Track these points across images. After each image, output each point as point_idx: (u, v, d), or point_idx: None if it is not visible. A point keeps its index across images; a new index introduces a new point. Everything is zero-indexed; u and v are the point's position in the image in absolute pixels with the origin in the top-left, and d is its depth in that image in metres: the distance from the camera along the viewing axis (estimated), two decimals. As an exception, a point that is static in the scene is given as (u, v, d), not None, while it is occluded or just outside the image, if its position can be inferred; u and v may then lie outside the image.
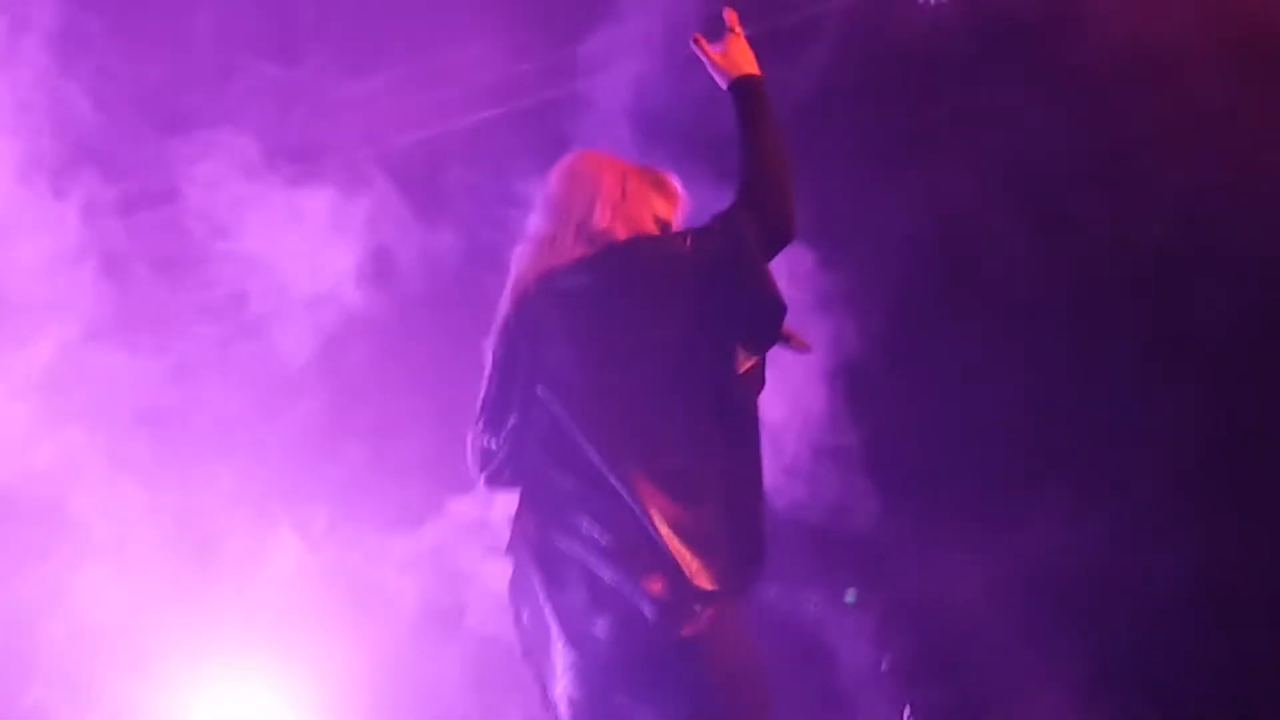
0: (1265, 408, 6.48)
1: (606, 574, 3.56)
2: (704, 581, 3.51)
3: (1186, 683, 6.36)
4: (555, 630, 3.62)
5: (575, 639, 3.58)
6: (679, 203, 3.98)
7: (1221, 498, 6.57)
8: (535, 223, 3.94)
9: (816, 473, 6.21)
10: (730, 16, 3.89)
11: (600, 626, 3.55)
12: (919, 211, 6.43)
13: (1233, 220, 6.44)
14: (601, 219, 3.85)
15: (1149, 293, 6.59)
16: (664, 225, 3.91)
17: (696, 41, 3.87)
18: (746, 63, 3.85)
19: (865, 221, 6.45)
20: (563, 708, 3.62)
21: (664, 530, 3.51)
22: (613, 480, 3.57)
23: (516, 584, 3.75)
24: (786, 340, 3.81)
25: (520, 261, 3.90)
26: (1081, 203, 6.62)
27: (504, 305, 3.87)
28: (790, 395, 5.61)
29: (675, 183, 4.00)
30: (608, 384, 3.66)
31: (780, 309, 3.66)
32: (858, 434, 6.34)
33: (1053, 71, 6.31)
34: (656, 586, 3.51)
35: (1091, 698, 6.24)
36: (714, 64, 3.86)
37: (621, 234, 3.84)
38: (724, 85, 3.85)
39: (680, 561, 3.51)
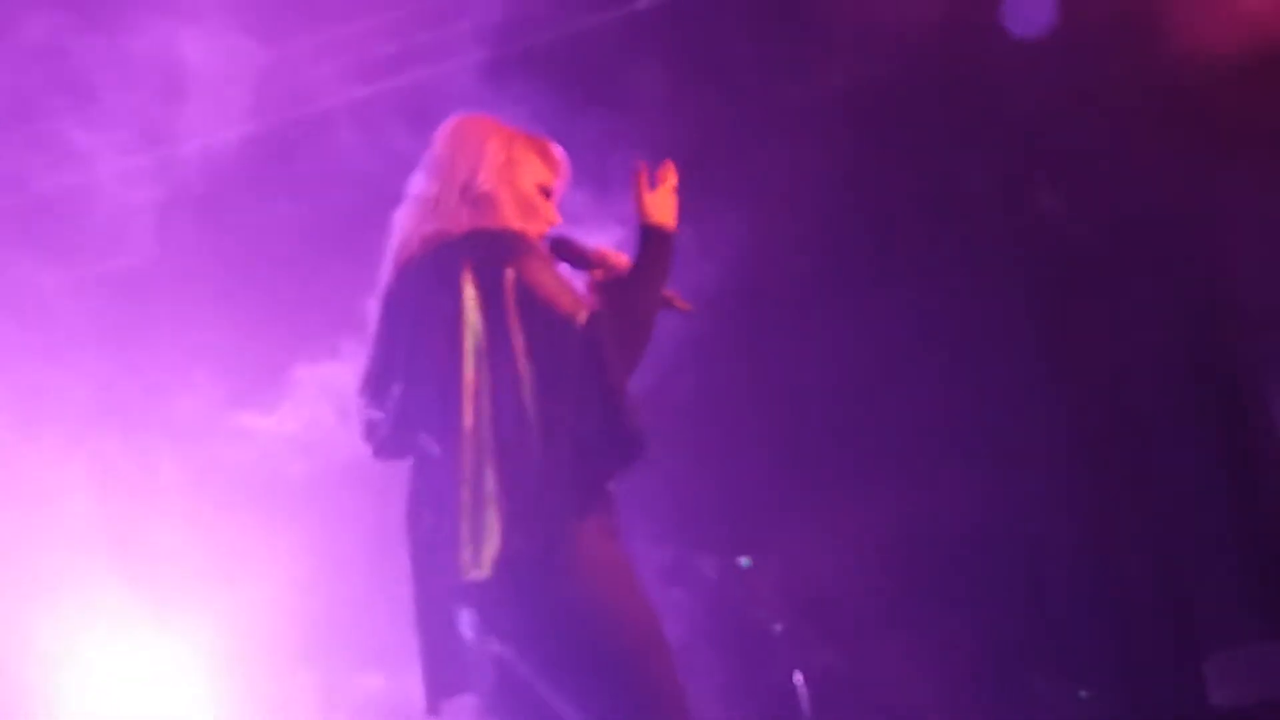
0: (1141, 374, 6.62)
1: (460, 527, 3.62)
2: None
3: (1071, 648, 6.49)
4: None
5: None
6: (561, 171, 4.00)
7: (1106, 464, 6.70)
8: (419, 183, 3.95)
9: (709, 438, 6.28)
10: (668, 170, 3.90)
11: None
12: (803, 170, 6.51)
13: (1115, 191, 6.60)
14: (485, 182, 3.87)
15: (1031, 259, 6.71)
16: (546, 191, 3.94)
17: (636, 173, 3.87)
18: (669, 216, 3.86)
19: (750, 177, 6.51)
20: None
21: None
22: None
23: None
24: (667, 303, 3.87)
25: (404, 223, 3.91)
26: (964, 165, 6.72)
27: (387, 267, 3.87)
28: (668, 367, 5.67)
29: (559, 152, 4.01)
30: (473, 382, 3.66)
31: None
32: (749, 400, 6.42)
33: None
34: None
35: (978, 662, 6.35)
36: (641, 202, 3.86)
37: (504, 198, 3.86)
38: (640, 222, 3.86)
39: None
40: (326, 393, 5.96)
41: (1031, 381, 6.68)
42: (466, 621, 3.64)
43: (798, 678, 5.72)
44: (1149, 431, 6.70)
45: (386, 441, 3.83)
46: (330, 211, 6.57)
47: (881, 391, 6.57)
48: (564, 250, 3.94)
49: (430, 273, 3.78)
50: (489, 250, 3.74)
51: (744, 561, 5.79)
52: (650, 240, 3.84)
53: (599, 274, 3.92)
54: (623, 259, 3.90)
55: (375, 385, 3.83)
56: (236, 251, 6.80)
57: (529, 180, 3.93)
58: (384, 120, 6.17)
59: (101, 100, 6.22)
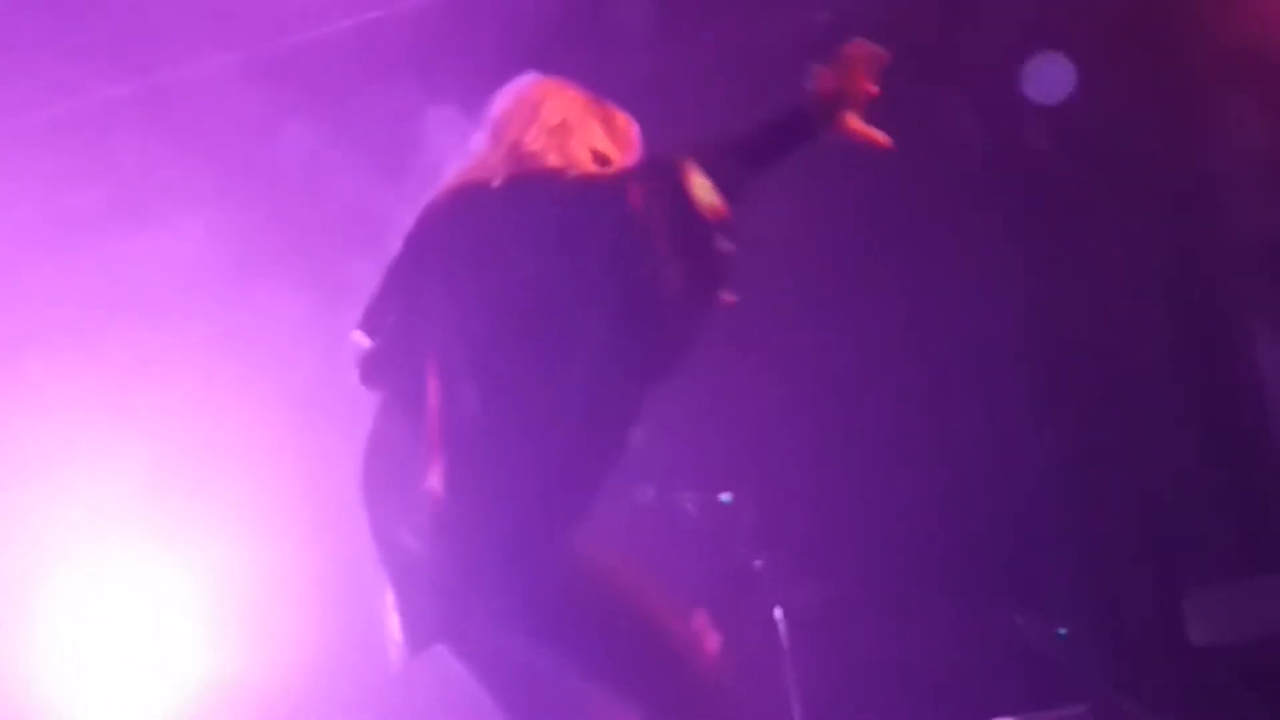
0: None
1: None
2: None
3: (1049, 585, 6.51)
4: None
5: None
6: (626, 144, 3.90)
7: (1086, 400, 6.72)
8: (474, 141, 3.91)
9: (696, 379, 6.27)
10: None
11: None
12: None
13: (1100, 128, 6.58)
14: (534, 142, 3.79)
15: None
16: (602, 160, 3.83)
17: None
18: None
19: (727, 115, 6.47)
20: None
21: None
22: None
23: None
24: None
25: (449, 175, 3.86)
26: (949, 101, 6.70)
27: (418, 212, 3.81)
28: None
29: (627, 122, 3.93)
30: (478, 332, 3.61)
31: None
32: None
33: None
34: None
35: (957, 599, 6.38)
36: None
37: (553, 160, 3.77)
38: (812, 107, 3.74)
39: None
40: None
41: (1011, 319, 6.68)
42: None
43: (777, 613, 5.73)
44: (1129, 368, 6.71)
45: (372, 372, 3.80)
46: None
47: (862, 331, 6.57)
48: None
49: (454, 220, 3.74)
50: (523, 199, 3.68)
51: (725, 497, 5.79)
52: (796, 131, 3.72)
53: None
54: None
55: (371, 313, 3.80)
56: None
57: (582, 146, 3.83)
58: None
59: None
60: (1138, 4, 6.40)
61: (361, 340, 3.82)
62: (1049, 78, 6.40)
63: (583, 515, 3.60)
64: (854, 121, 3.72)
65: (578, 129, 3.86)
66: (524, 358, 3.56)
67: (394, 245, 3.83)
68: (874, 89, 3.72)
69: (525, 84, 3.95)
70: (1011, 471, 6.64)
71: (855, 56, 3.71)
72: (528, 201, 3.68)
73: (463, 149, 3.92)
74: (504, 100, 3.93)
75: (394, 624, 3.66)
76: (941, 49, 6.56)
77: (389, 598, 3.67)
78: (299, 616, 6.56)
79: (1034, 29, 6.46)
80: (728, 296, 3.81)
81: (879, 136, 3.76)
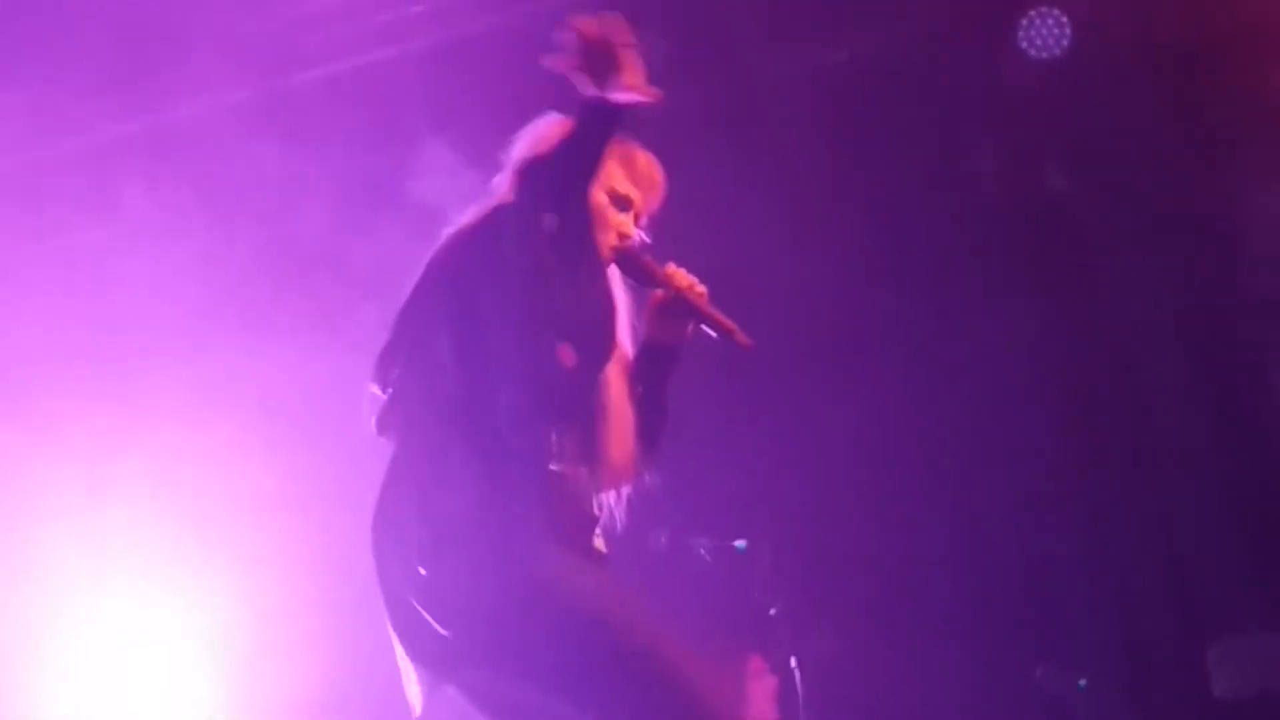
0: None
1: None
2: None
3: (1071, 636, 6.45)
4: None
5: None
6: (647, 185, 3.83)
7: (1108, 449, 6.66)
8: (495, 181, 3.84)
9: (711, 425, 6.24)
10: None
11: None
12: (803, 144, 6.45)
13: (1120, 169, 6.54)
14: None
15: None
16: (620, 201, 3.78)
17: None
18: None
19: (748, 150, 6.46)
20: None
21: None
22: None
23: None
24: (728, 335, 3.75)
25: (465, 215, 3.79)
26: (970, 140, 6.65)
27: (426, 255, 3.76)
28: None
29: (650, 165, 3.85)
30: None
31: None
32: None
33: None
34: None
35: (976, 649, 6.32)
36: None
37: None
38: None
39: None
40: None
41: (1032, 361, 6.62)
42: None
43: (793, 662, 5.67)
44: (1152, 416, 6.65)
45: (382, 422, 3.72)
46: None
47: (878, 370, 6.52)
48: (628, 265, 3.81)
49: (451, 263, 3.70)
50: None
51: (739, 544, 5.74)
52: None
53: (659, 295, 3.81)
54: (689, 284, 3.78)
55: (382, 365, 3.74)
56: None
57: (600, 188, 3.75)
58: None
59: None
60: (1156, 37, 6.35)
61: (375, 391, 3.75)
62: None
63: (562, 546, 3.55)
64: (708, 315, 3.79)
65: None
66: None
67: (403, 290, 3.78)
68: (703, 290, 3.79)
69: (544, 124, 3.87)
70: (1033, 519, 6.56)
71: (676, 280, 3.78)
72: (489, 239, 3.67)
73: (484, 189, 3.86)
74: (523, 140, 3.86)
75: (404, 671, 3.61)
76: (958, 87, 6.52)
77: (396, 647, 3.62)
78: (305, 657, 6.50)
79: (1052, 65, 6.41)
80: (744, 340, 3.76)
81: (732, 327, 3.78)
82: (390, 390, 3.71)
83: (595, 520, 3.72)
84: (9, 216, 6.53)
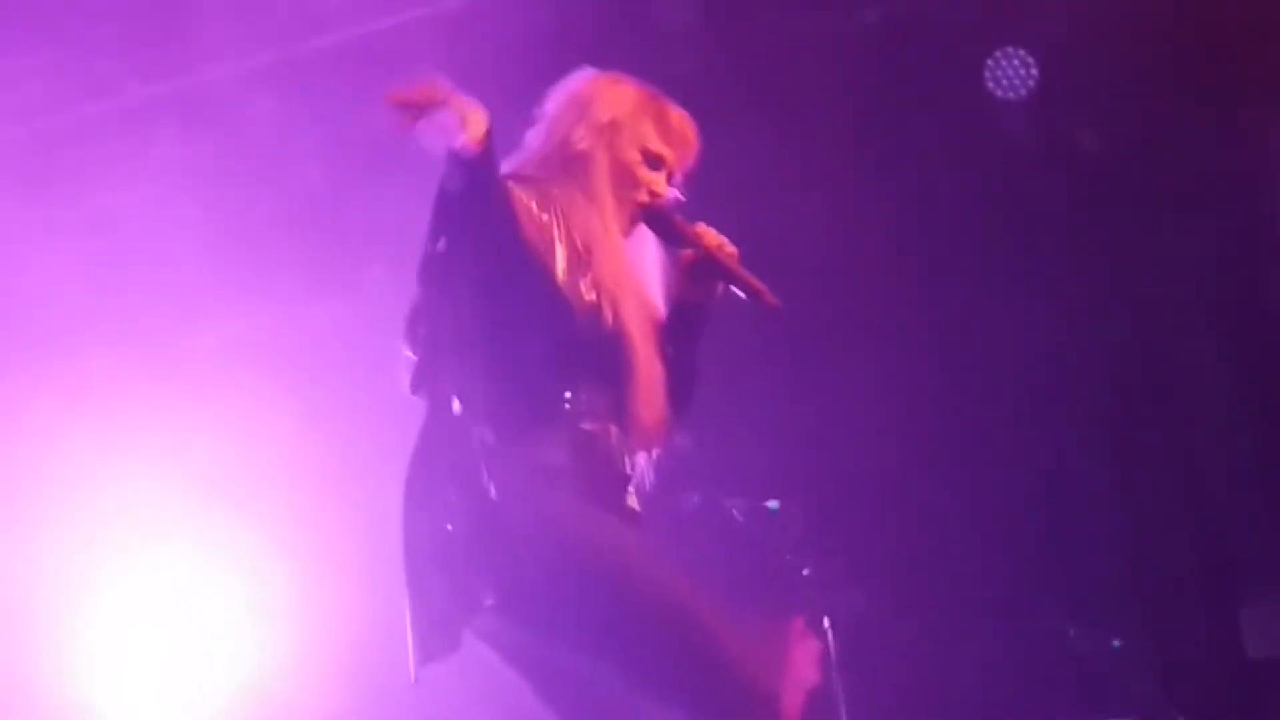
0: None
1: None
2: None
3: (1105, 597, 6.44)
4: None
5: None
6: (680, 142, 3.83)
7: (1140, 409, 6.65)
8: (528, 137, 3.85)
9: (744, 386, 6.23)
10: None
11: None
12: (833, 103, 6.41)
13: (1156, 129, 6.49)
14: (581, 140, 3.76)
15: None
16: (652, 159, 3.78)
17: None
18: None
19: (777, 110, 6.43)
20: None
21: None
22: None
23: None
24: (755, 296, 3.74)
25: (504, 170, 3.72)
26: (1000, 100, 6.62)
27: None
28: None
29: (682, 122, 3.84)
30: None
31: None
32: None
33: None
34: None
35: (1010, 609, 6.31)
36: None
37: (600, 160, 3.73)
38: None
39: None
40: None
41: (1065, 326, 6.60)
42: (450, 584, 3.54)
43: (825, 622, 5.66)
44: (1184, 376, 6.62)
45: (414, 382, 3.72)
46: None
47: (911, 338, 6.50)
48: (658, 224, 3.81)
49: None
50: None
51: (772, 505, 5.73)
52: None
53: (689, 254, 3.79)
54: (718, 244, 3.77)
55: (411, 325, 3.74)
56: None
57: (632, 145, 3.77)
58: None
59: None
60: (1185, 7, 6.30)
61: (407, 352, 3.76)
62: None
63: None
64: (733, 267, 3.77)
65: (627, 127, 3.80)
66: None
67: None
68: (733, 251, 3.77)
69: (579, 79, 3.88)
70: (1064, 481, 6.56)
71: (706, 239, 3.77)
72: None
73: (518, 143, 3.85)
74: (557, 95, 3.87)
75: (410, 635, 3.60)
76: (989, 49, 6.48)
77: (408, 609, 3.61)
78: (336, 619, 6.52)
79: (1080, 29, 6.36)
80: (772, 301, 3.75)
81: (761, 288, 3.76)
82: (420, 349, 3.71)
83: (628, 479, 3.71)
84: (35, 178, 6.53)
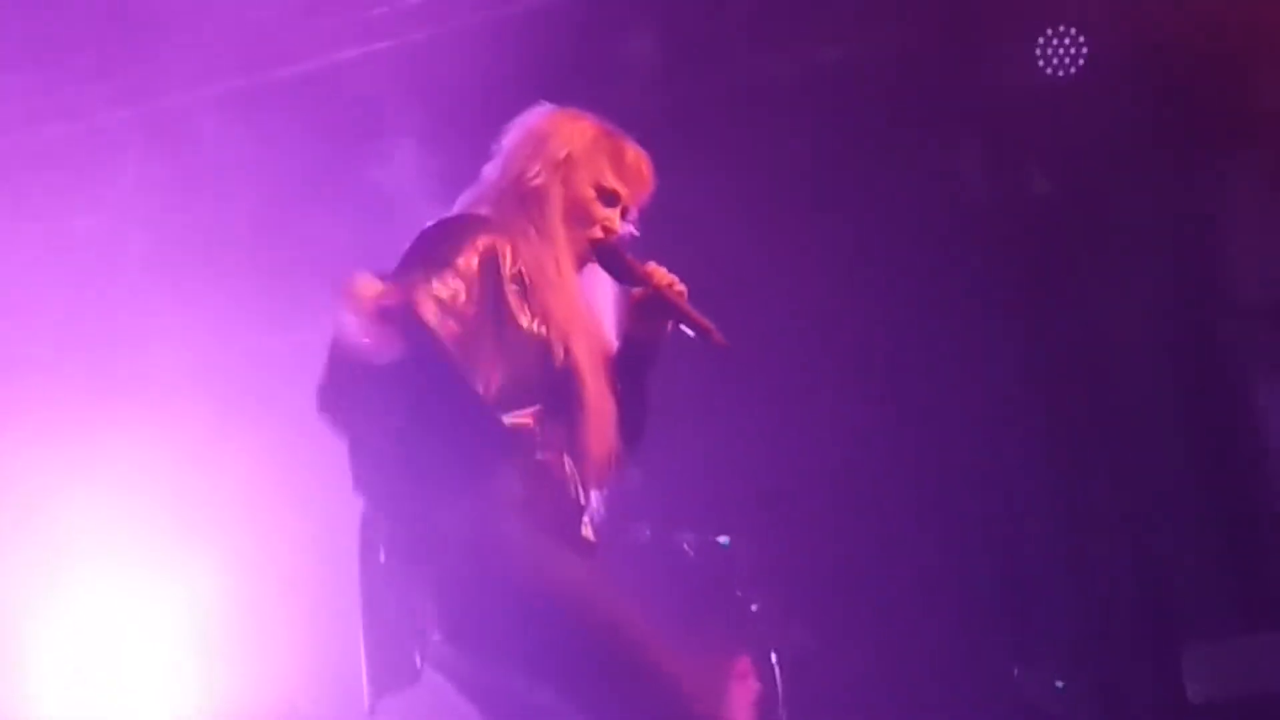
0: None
1: None
2: None
3: (1048, 637, 6.47)
4: None
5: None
6: (635, 179, 3.85)
7: (1086, 452, 6.69)
8: (485, 171, 3.87)
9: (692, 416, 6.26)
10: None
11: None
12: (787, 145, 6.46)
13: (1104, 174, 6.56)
14: (536, 177, 3.77)
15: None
16: (607, 195, 3.80)
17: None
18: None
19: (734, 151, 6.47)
20: None
21: None
22: None
23: None
24: (704, 334, 3.76)
25: (461, 203, 3.83)
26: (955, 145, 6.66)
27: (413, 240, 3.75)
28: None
29: (638, 158, 3.86)
30: None
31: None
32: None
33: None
34: None
35: (954, 648, 6.34)
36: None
37: (554, 196, 3.75)
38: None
39: None
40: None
41: (1011, 366, 6.65)
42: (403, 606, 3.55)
43: (773, 657, 5.69)
44: (1130, 420, 6.68)
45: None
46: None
47: (863, 372, 6.54)
48: (610, 261, 3.84)
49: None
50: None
51: (723, 540, 5.75)
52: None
53: (639, 292, 3.83)
54: (668, 282, 3.79)
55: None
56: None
57: (587, 182, 3.80)
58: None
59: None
60: (1141, 48, 6.37)
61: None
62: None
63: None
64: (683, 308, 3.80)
65: (583, 163, 3.82)
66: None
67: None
68: (682, 289, 3.80)
69: (537, 115, 3.92)
70: (1011, 522, 6.60)
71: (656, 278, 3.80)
72: None
73: (476, 179, 3.89)
74: (515, 130, 3.90)
75: (365, 666, 3.61)
76: (947, 90, 6.54)
77: (362, 639, 3.63)
78: (294, 637, 6.51)
79: (1040, 71, 6.44)
80: (720, 340, 3.77)
81: (709, 326, 3.78)
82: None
83: (582, 509, 3.74)
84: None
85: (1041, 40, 6.37)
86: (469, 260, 3.60)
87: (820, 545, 6.47)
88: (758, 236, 6.36)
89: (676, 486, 6.07)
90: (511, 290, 3.64)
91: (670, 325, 3.85)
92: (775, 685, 5.68)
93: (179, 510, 6.71)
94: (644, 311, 3.85)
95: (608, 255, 3.83)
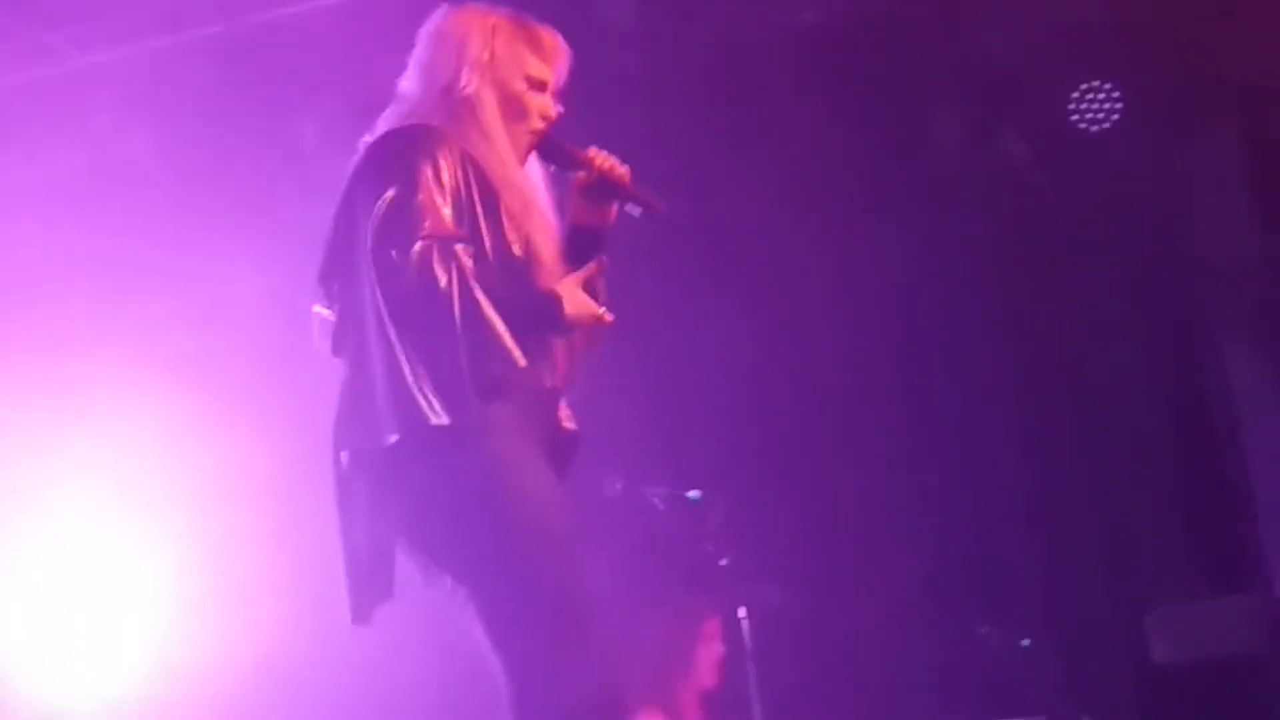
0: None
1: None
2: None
3: (1014, 597, 6.52)
4: None
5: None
6: (556, 58, 3.84)
7: (1055, 414, 6.73)
8: (403, 85, 3.83)
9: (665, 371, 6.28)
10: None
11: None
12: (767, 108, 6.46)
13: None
14: (467, 84, 3.75)
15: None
16: (537, 84, 3.79)
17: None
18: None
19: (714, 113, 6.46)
20: None
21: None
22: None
23: None
24: (646, 206, 3.77)
25: (388, 122, 3.78)
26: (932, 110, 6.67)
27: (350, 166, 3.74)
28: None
29: (553, 37, 3.85)
30: None
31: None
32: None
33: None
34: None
35: (920, 606, 6.38)
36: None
37: (488, 99, 3.74)
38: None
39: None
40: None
41: (984, 328, 6.68)
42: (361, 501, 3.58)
43: (741, 612, 5.72)
44: (1099, 383, 6.72)
45: (335, 339, 3.73)
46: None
47: (838, 335, 6.56)
48: (551, 151, 3.84)
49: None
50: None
51: (693, 495, 5.77)
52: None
53: (582, 177, 3.81)
54: (610, 166, 3.78)
55: (323, 282, 3.74)
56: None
57: (516, 76, 3.79)
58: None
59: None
60: (1120, 25, 6.38)
61: (321, 312, 3.78)
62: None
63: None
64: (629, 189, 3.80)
65: (507, 60, 3.81)
66: None
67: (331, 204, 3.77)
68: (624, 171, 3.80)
69: (443, 19, 3.87)
70: (980, 481, 6.63)
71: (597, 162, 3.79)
72: None
73: (395, 94, 3.85)
74: (426, 41, 3.86)
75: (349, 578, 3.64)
76: (926, 54, 6.54)
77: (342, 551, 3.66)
78: (269, 590, 6.52)
79: (1022, 41, 6.44)
80: (660, 207, 3.79)
81: (652, 200, 3.80)
82: (337, 306, 3.72)
83: (558, 393, 3.74)
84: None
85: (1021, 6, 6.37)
86: (442, 172, 3.61)
87: (790, 502, 6.51)
88: (735, 195, 6.36)
89: (647, 440, 6.09)
90: (477, 198, 3.63)
91: (616, 209, 3.84)
92: (743, 639, 5.70)
93: (156, 456, 6.70)
94: (588, 197, 3.83)
95: (548, 146, 3.85)
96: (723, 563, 5.76)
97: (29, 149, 6.64)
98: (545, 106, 3.83)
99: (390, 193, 3.56)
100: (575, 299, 3.66)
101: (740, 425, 6.59)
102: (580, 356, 3.83)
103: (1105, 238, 6.69)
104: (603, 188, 3.81)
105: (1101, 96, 6.44)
